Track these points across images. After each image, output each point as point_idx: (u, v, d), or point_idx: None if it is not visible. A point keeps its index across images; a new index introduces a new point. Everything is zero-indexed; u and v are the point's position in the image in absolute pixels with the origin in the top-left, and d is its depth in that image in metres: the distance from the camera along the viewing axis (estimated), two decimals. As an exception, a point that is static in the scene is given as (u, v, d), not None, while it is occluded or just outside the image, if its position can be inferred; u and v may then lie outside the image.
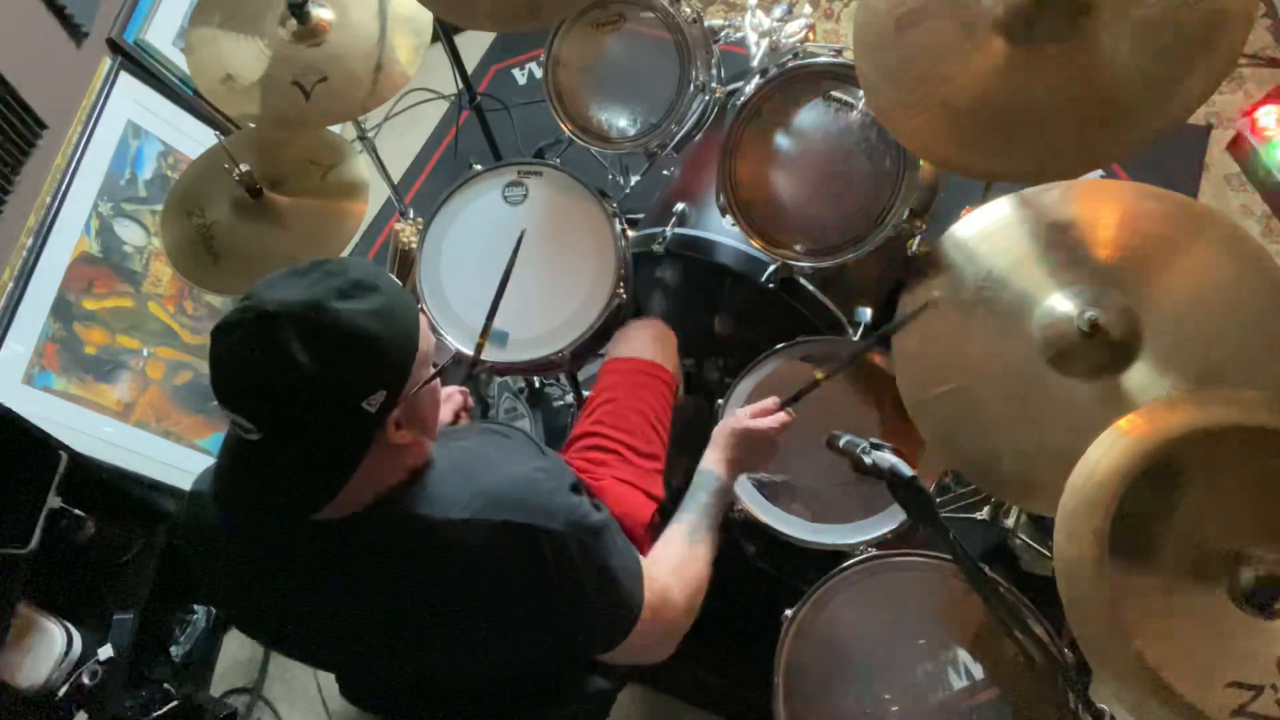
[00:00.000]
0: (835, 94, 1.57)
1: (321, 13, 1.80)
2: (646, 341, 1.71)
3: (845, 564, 1.40)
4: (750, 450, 1.39)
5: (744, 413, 1.41)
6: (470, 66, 2.74)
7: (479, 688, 1.22)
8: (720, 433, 1.40)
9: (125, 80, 2.33)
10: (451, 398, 1.49)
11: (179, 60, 2.48)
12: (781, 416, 1.40)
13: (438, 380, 1.05)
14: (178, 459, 2.27)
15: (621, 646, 1.11)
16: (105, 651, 1.92)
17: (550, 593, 1.03)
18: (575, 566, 1.02)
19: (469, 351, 1.64)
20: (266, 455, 0.94)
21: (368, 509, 1.00)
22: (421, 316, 1.01)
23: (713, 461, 1.37)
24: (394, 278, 1.01)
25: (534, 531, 1.00)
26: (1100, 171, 1.82)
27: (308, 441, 0.93)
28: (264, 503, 0.99)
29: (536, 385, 2.32)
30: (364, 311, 0.91)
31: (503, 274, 1.50)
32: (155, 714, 2.01)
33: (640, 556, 1.16)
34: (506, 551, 1.00)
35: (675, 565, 1.22)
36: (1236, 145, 2.33)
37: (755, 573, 1.89)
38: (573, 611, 1.05)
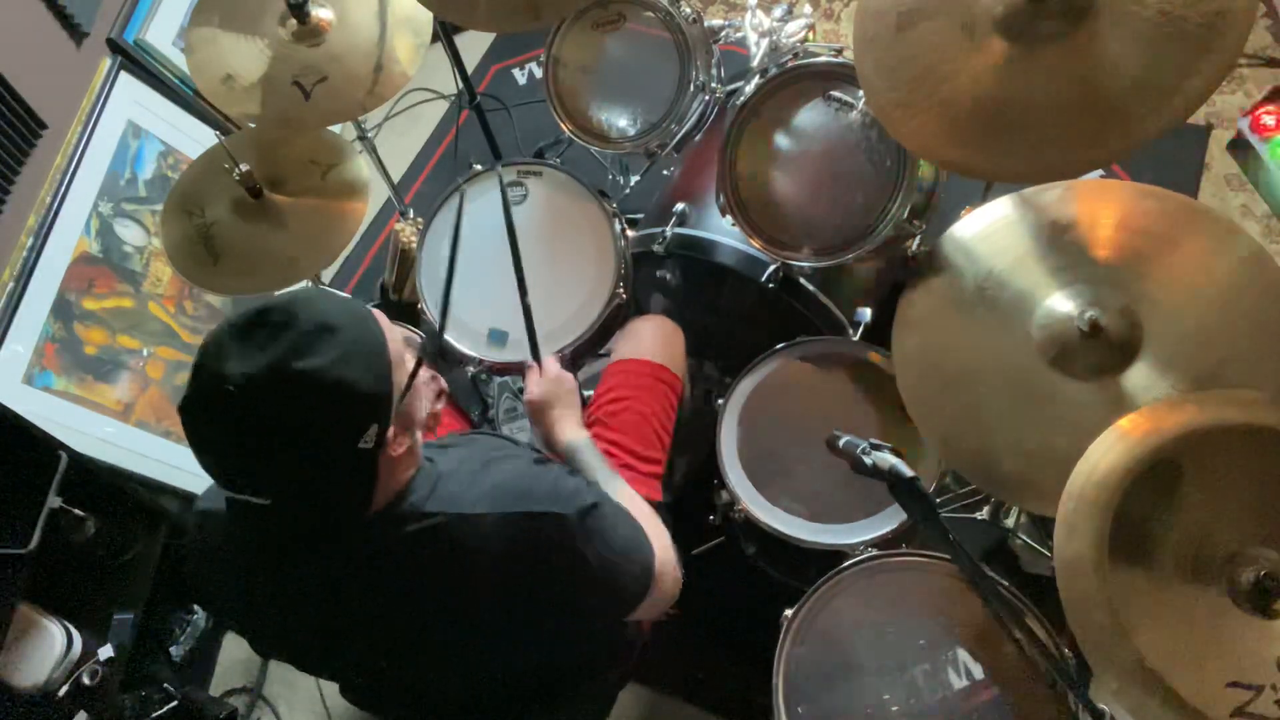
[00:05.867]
0: (835, 94, 1.57)
1: (321, 13, 1.80)
2: (653, 342, 1.71)
3: (845, 564, 1.40)
4: (567, 400, 1.45)
5: (535, 387, 1.47)
6: (470, 66, 2.74)
7: (488, 689, 1.22)
8: (542, 414, 1.44)
9: (125, 80, 2.33)
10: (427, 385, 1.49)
11: (179, 60, 2.48)
12: (553, 364, 1.49)
13: (419, 375, 1.05)
14: (178, 459, 2.27)
15: (646, 601, 1.16)
16: (105, 651, 1.92)
17: (576, 571, 1.05)
18: (591, 543, 1.05)
19: (467, 351, 1.65)
20: (281, 516, 0.95)
21: (381, 512, 1.01)
22: (380, 315, 0.99)
23: (567, 434, 1.40)
24: (336, 292, 1.00)
25: (548, 518, 1.02)
26: (1100, 171, 1.82)
27: (318, 496, 0.94)
28: (293, 553, 1.01)
29: (536, 385, 2.32)
30: (329, 363, 0.89)
31: (512, 255, 1.50)
32: (155, 714, 2.01)
33: (630, 511, 1.20)
34: (528, 539, 1.02)
35: (641, 513, 1.26)
36: (1236, 145, 2.33)
37: (755, 573, 1.89)
38: (601, 582, 1.08)
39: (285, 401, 0.87)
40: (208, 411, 0.89)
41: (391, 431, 0.95)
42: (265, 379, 0.86)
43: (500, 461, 1.12)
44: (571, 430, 1.41)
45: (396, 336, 1.00)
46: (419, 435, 1.05)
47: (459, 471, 1.07)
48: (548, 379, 1.46)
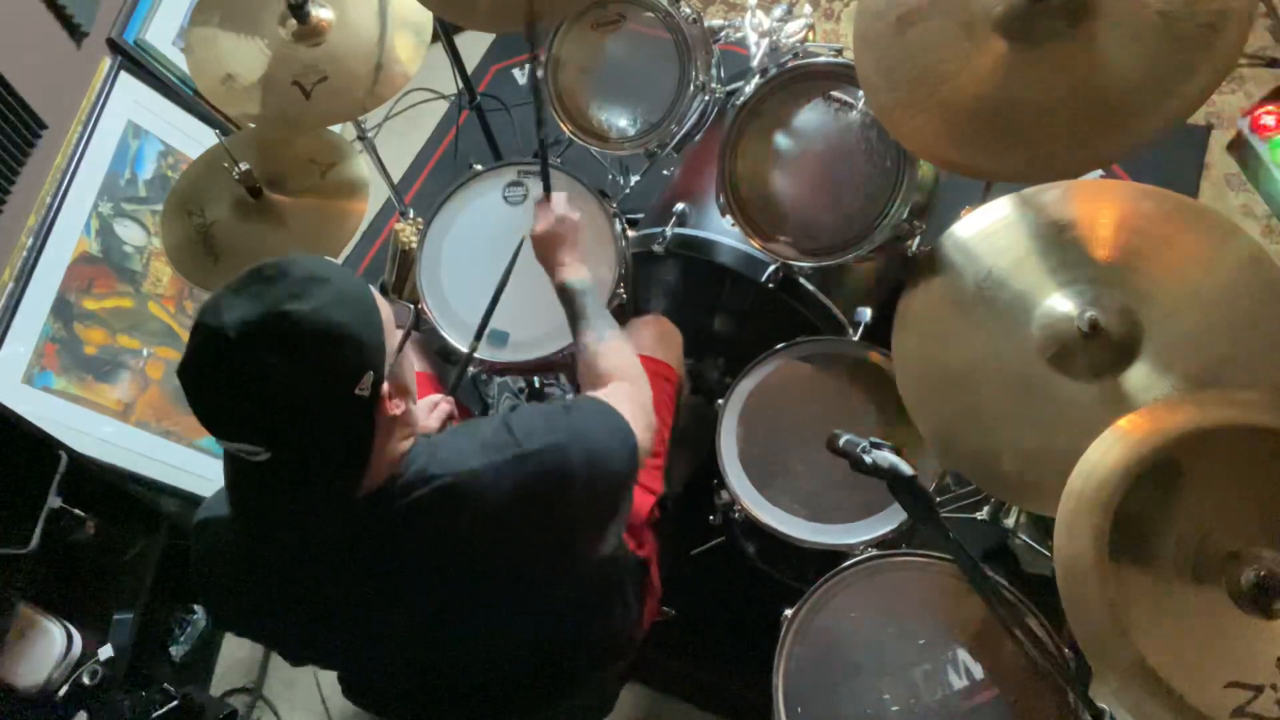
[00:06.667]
0: (835, 94, 1.57)
1: (321, 13, 1.80)
2: (650, 339, 1.72)
3: (845, 564, 1.40)
4: (572, 237, 1.47)
5: (540, 224, 1.48)
6: (470, 66, 2.74)
7: (503, 668, 1.23)
8: (546, 250, 1.47)
9: (125, 80, 2.33)
10: (439, 407, 1.47)
11: (179, 60, 2.48)
12: (562, 200, 1.50)
13: (409, 342, 1.06)
14: (177, 459, 2.27)
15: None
16: (105, 651, 1.92)
17: (581, 492, 1.07)
18: (587, 461, 1.07)
19: (465, 349, 1.65)
20: (282, 471, 0.94)
21: (384, 485, 1.01)
22: (370, 286, 1.01)
23: (568, 274, 1.43)
24: (328, 259, 1.01)
25: (546, 450, 1.05)
26: (1100, 171, 1.82)
27: (319, 445, 0.94)
28: (296, 515, 1.00)
29: (536, 385, 2.32)
30: (323, 306, 0.91)
31: (501, 277, 1.50)
32: (155, 714, 2.01)
33: (600, 396, 1.22)
34: (538, 474, 1.04)
35: (614, 366, 1.30)
36: (1236, 145, 2.33)
37: (755, 573, 1.89)
38: (600, 490, 1.11)
39: (282, 343, 0.89)
40: (207, 362, 0.90)
41: (386, 388, 0.96)
42: (261, 323, 0.88)
43: (480, 423, 1.14)
44: (575, 271, 1.44)
45: (385, 304, 1.02)
46: (414, 406, 1.07)
47: (452, 438, 1.10)
48: (555, 215, 1.48)
